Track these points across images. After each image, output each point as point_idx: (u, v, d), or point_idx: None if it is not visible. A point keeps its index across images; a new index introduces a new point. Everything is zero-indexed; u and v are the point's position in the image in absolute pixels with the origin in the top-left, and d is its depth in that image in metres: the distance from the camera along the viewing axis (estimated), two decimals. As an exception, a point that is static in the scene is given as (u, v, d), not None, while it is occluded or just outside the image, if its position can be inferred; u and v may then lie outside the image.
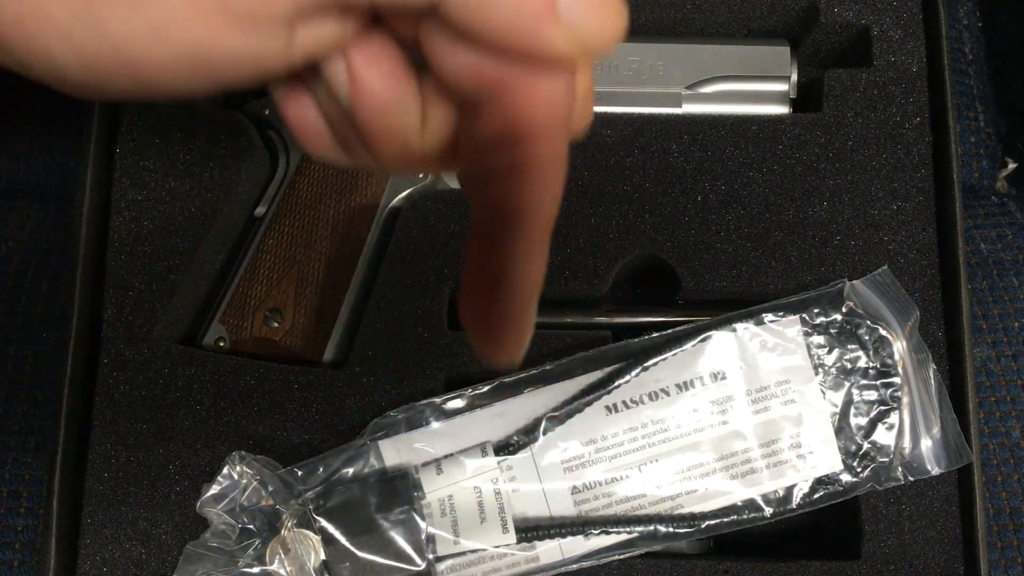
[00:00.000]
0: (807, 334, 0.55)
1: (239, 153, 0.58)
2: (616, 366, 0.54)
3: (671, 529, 0.52)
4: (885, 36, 0.61)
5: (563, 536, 0.52)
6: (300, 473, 0.52)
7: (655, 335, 0.54)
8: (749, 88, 0.61)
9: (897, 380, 0.54)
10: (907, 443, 0.54)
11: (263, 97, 0.61)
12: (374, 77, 0.29)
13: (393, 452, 0.52)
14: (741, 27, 0.64)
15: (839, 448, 0.54)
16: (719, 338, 0.54)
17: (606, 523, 0.52)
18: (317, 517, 0.50)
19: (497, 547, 0.51)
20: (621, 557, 0.52)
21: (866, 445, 0.54)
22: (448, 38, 0.27)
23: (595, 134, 0.59)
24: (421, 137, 0.30)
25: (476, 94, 0.28)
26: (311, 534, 0.50)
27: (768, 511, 0.53)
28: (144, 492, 0.53)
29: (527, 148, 0.28)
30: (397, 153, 0.31)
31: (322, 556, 0.50)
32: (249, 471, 0.51)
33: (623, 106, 0.61)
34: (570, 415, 0.53)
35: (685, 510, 0.53)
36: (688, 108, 0.61)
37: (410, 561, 0.50)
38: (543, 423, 0.53)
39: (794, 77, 0.61)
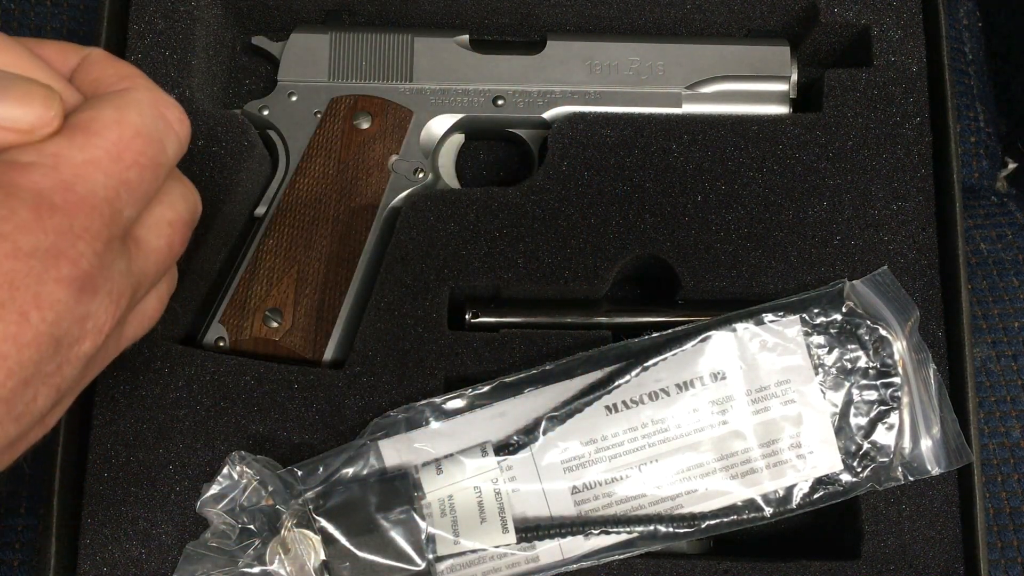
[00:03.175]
0: (807, 334, 0.55)
1: (239, 153, 0.58)
2: (616, 366, 0.54)
3: (671, 529, 0.52)
4: (885, 36, 0.61)
5: (563, 536, 0.52)
6: (300, 473, 0.52)
7: (655, 335, 0.54)
8: (749, 88, 0.61)
9: (897, 380, 0.54)
10: (907, 443, 0.54)
11: (263, 97, 0.61)
12: None
13: (393, 452, 0.52)
14: (741, 27, 0.64)
15: (839, 448, 0.54)
16: (719, 338, 0.54)
17: (606, 523, 0.52)
18: (317, 517, 0.50)
19: (497, 547, 0.51)
20: (621, 557, 0.52)
21: (866, 445, 0.54)
22: None
23: (595, 134, 0.59)
24: None
25: None
26: (311, 534, 0.50)
27: (768, 511, 0.53)
28: (144, 492, 0.53)
29: None
30: None
31: (322, 556, 0.49)
32: (249, 471, 0.51)
33: (623, 106, 0.61)
34: (570, 415, 0.53)
35: (685, 510, 0.53)
36: (688, 108, 0.61)
37: (410, 561, 0.50)
38: (543, 423, 0.53)
39: (794, 77, 0.61)
